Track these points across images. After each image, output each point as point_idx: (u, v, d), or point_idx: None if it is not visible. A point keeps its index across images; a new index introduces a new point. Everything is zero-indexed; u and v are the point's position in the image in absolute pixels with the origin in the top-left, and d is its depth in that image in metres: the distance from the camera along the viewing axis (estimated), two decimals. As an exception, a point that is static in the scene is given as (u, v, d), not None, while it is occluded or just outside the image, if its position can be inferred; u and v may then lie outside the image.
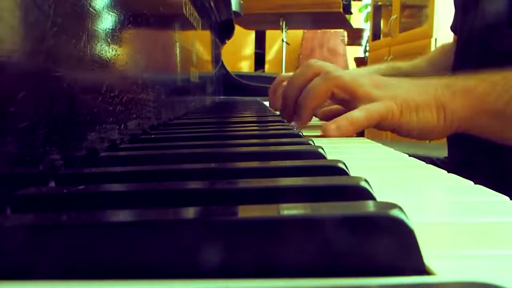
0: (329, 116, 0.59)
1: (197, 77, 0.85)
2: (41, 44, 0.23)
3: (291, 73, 0.75)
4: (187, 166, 0.26)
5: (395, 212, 0.14)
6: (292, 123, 0.54)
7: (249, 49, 3.86)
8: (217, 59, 1.32)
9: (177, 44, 0.64)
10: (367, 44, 3.18)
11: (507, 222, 0.19)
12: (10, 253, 0.14)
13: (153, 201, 0.20)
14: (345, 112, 0.50)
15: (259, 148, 0.35)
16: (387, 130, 0.52)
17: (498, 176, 0.51)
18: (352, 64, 3.70)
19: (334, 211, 0.15)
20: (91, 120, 0.30)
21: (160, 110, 0.51)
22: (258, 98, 1.36)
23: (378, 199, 0.19)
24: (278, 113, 0.76)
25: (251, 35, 3.78)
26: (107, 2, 0.33)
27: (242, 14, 1.72)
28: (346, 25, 2.83)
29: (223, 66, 1.47)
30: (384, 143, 0.43)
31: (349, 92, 0.50)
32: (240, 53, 3.78)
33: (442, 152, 0.82)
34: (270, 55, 3.89)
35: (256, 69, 3.82)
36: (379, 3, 3.04)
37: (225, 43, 1.52)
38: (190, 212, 0.16)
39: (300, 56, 3.85)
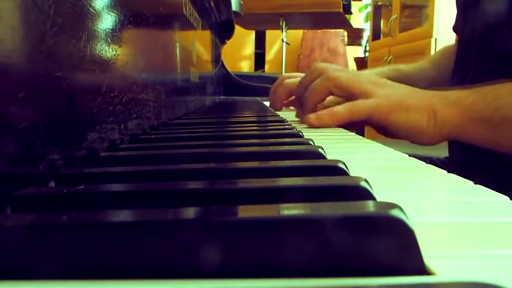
0: None
1: (197, 77, 0.85)
2: (41, 44, 0.23)
3: (292, 73, 0.76)
4: (187, 166, 0.26)
5: (395, 212, 0.14)
6: (297, 117, 0.62)
7: (249, 49, 3.86)
8: (217, 59, 1.32)
9: (177, 44, 0.64)
10: (367, 44, 3.18)
11: (507, 222, 0.19)
12: (10, 253, 0.14)
13: (153, 201, 0.20)
14: None
15: (259, 148, 0.35)
16: (376, 128, 0.54)
17: (498, 176, 0.51)
18: (352, 64, 3.70)
19: (334, 211, 0.15)
20: (91, 120, 0.30)
21: (160, 110, 0.51)
22: (258, 98, 1.36)
23: (378, 199, 0.19)
24: (278, 113, 0.76)
25: (251, 35, 3.78)
26: (107, 2, 0.33)
27: (242, 14, 1.72)
28: (346, 25, 2.83)
29: (223, 66, 1.47)
30: (384, 143, 0.43)
31: (346, 90, 0.55)
32: (240, 53, 3.78)
33: (442, 152, 0.82)
34: (270, 55, 3.89)
35: (256, 69, 3.82)
36: (379, 3, 3.04)
37: (225, 43, 1.52)
38: (190, 212, 0.16)
39: (300, 56, 3.85)
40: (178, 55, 0.65)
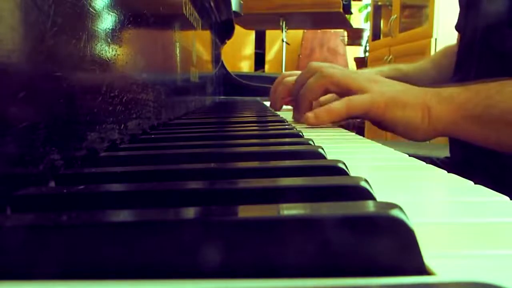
0: None
1: (197, 77, 0.85)
2: (41, 44, 0.23)
3: (293, 71, 0.76)
4: (187, 166, 0.26)
5: (395, 212, 0.14)
6: (294, 115, 0.63)
7: (249, 49, 3.86)
8: (217, 59, 1.32)
9: (177, 44, 0.64)
10: (367, 44, 3.17)
11: (507, 222, 0.19)
12: (10, 253, 0.14)
13: (153, 201, 0.20)
14: None
15: (259, 148, 0.35)
16: (374, 123, 0.55)
17: (498, 176, 0.52)
18: (352, 64, 3.69)
19: (334, 211, 0.15)
20: (91, 120, 0.30)
21: (160, 110, 0.51)
22: (258, 98, 1.36)
23: (378, 199, 0.19)
24: (278, 113, 0.77)
25: (251, 35, 3.78)
26: (107, 2, 0.33)
27: (242, 14, 1.72)
28: (346, 25, 2.82)
29: (223, 66, 1.47)
30: (384, 143, 0.44)
31: (342, 86, 0.55)
32: (240, 53, 3.78)
33: (442, 152, 0.82)
34: (270, 55, 3.89)
35: (256, 69, 3.82)
36: (379, 3, 3.04)
37: (225, 43, 1.52)
38: (190, 212, 0.16)
39: (300, 56, 3.85)
40: (178, 55, 0.65)
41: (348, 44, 3.62)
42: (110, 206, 0.19)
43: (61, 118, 0.25)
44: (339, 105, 0.53)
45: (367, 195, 0.19)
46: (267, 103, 0.99)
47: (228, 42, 1.53)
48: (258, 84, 1.52)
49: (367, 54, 3.16)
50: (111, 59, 0.34)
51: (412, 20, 2.59)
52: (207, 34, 1.09)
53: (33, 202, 0.20)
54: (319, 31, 3.82)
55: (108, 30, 0.33)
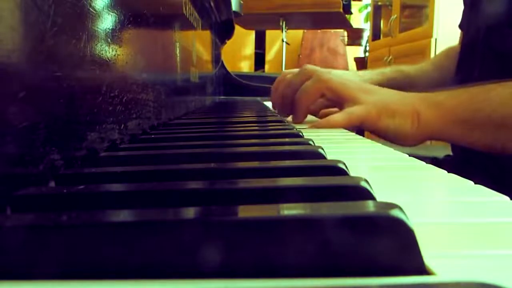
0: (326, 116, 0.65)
1: (197, 77, 0.85)
2: (41, 44, 0.23)
3: (293, 69, 0.76)
4: (187, 166, 0.26)
5: (395, 212, 0.14)
6: (289, 119, 0.64)
7: (249, 49, 3.85)
8: (217, 59, 1.32)
9: (177, 44, 0.64)
10: (367, 44, 3.17)
11: (507, 222, 0.19)
12: (10, 253, 0.14)
13: (153, 201, 0.20)
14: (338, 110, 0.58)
15: (259, 148, 0.35)
16: (368, 131, 0.58)
17: (498, 176, 0.52)
18: (352, 64, 3.69)
19: (334, 211, 0.15)
20: (91, 120, 0.30)
21: (160, 110, 0.51)
22: (258, 98, 1.36)
23: (378, 199, 0.19)
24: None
25: (251, 35, 3.78)
26: (107, 2, 0.33)
27: (242, 14, 1.72)
28: (346, 25, 2.82)
29: (223, 66, 1.47)
30: (384, 143, 0.44)
31: (337, 94, 0.57)
32: (240, 53, 3.78)
33: (442, 152, 0.82)
34: (270, 55, 3.89)
35: (256, 69, 3.82)
36: (379, 3, 3.03)
37: (225, 43, 1.52)
38: (190, 212, 0.16)
39: (300, 56, 3.85)
40: (178, 55, 0.65)
41: (348, 44, 3.62)
42: (110, 206, 0.19)
43: (61, 118, 0.25)
44: (340, 118, 0.55)
45: (367, 195, 0.19)
46: (267, 103, 0.99)
47: (228, 42, 1.53)
48: (258, 84, 1.52)
49: (367, 54, 3.16)
50: (111, 59, 0.34)
51: (412, 20, 2.59)
52: (207, 34, 1.09)
53: (33, 202, 0.20)
54: (319, 31, 3.82)
55: (108, 30, 0.33)
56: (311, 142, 0.35)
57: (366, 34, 3.29)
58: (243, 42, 3.74)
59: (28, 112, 0.22)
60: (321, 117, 0.72)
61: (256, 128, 0.53)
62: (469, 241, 0.17)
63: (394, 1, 2.63)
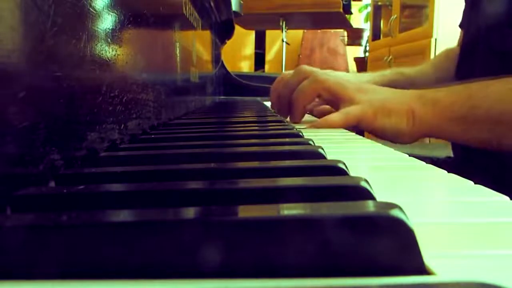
0: (322, 114, 0.67)
1: (197, 77, 0.85)
2: (41, 44, 0.23)
3: (292, 71, 0.77)
4: (187, 166, 0.26)
5: (395, 212, 0.14)
6: (288, 119, 0.64)
7: (249, 49, 3.85)
8: (217, 59, 1.32)
9: (177, 44, 0.64)
10: (367, 44, 3.17)
11: (507, 222, 0.19)
12: (10, 253, 0.14)
13: (153, 201, 0.20)
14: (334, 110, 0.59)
15: (259, 148, 0.35)
16: (365, 130, 0.58)
17: (498, 176, 0.52)
18: (352, 64, 3.69)
19: (334, 211, 0.15)
20: (91, 120, 0.30)
21: (160, 110, 0.51)
22: (258, 98, 1.36)
23: (378, 199, 0.19)
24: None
25: (251, 35, 3.78)
26: (107, 2, 0.33)
27: (242, 14, 1.72)
28: (346, 25, 2.82)
29: (223, 66, 1.47)
30: (384, 143, 0.44)
31: (333, 94, 0.58)
32: (240, 53, 3.78)
33: (442, 152, 0.82)
34: (270, 55, 3.89)
35: (256, 69, 3.82)
36: (379, 3, 3.03)
37: (225, 43, 1.52)
38: (190, 212, 0.16)
39: (300, 56, 3.85)
40: (178, 55, 0.65)
41: (348, 44, 3.62)
42: (110, 206, 0.19)
43: (61, 118, 0.25)
44: (337, 118, 0.56)
45: (367, 195, 0.19)
46: (267, 103, 0.99)
47: (228, 42, 1.53)
48: (258, 84, 1.52)
49: (367, 54, 3.16)
50: (111, 59, 0.34)
51: (412, 20, 2.59)
52: (207, 34, 1.09)
53: (33, 202, 0.20)
54: (319, 31, 3.82)
55: (108, 30, 0.33)
56: (311, 142, 0.35)
57: (366, 34, 3.30)
58: (243, 42, 3.74)
59: (28, 112, 0.22)
60: (316, 115, 0.74)
61: (256, 128, 0.53)
62: (469, 241, 0.17)
63: (394, 1, 2.63)
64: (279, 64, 2.73)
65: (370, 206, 0.15)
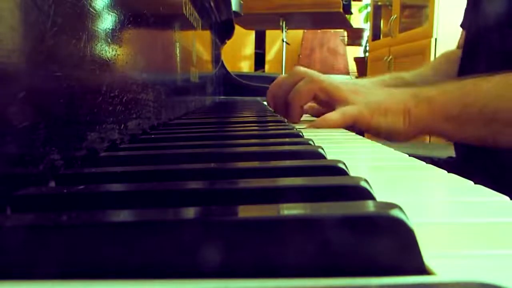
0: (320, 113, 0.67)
1: (197, 77, 0.85)
2: (41, 44, 0.23)
3: None
4: (187, 166, 0.26)
5: (395, 212, 0.14)
6: (286, 120, 0.64)
7: (249, 49, 3.86)
8: (217, 59, 1.32)
9: (177, 44, 0.64)
10: (367, 44, 3.17)
11: (507, 222, 0.19)
12: (10, 253, 0.14)
13: (153, 201, 0.20)
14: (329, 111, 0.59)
15: (259, 148, 0.35)
16: (361, 130, 0.59)
17: (498, 176, 0.52)
18: (352, 64, 3.69)
19: (334, 211, 0.15)
20: (91, 120, 0.30)
21: (160, 110, 0.51)
22: (258, 98, 1.36)
23: (378, 199, 0.19)
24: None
25: (251, 35, 3.78)
26: (107, 2, 0.33)
27: (242, 14, 1.72)
28: (346, 25, 2.82)
29: (223, 66, 1.47)
30: (384, 143, 0.44)
31: (329, 94, 0.59)
32: (240, 53, 3.78)
33: (442, 152, 0.82)
34: (270, 55, 3.89)
35: (256, 69, 3.82)
36: (379, 3, 3.03)
37: (225, 43, 1.52)
38: (190, 212, 0.16)
39: (300, 56, 3.85)
40: (178, 55, 0.65)
41: (348, 44, 3.62)
42: (110, 206, 0.19)
43: (61, 118, 0.25)
44: (335, 117, 0.56)
45: (367, 195, 0.19)
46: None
47: (228, 42, 1.53)
48: (258, 84, 1.52)
49: (367, 54, 3.16)
50: (111, 59, 0.34)
51: (412, 20, 2.59)
52: (207, 34, 1.09)
53: (33, 202, 0.20)
54: (319, 31, 3.82)
55: (108, 30, 0.33)
56: (311, 142, 0.35)
57: (366, 34, 3.30)
58: (243, 42, 3.74)
59: (28, 112, 0.22)
60: (311, 114, 0.75)
61: (256, 128, 0.53)
62: (469, 241, 0.17)
63: (394, 1, 2.63)
64: (279, 64, 2.73)
65: (370, 206, 0.15)
